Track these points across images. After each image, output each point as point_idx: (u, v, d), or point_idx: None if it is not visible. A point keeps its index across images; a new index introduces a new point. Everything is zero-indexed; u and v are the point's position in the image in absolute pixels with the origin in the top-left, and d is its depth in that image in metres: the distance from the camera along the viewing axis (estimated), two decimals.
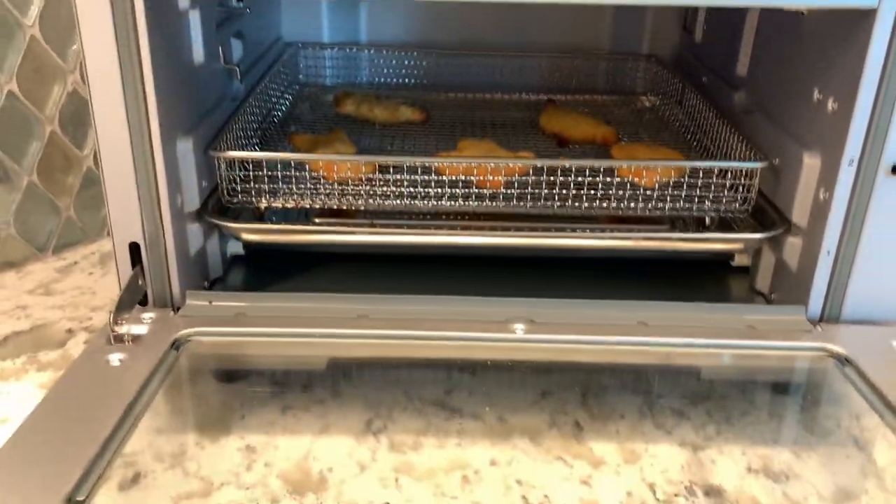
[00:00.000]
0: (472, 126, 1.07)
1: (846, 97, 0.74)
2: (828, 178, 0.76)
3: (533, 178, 0.81)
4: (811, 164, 0.80)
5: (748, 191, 0.83)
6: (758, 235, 0.82)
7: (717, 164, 0.86)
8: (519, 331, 0.74)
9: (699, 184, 0.84)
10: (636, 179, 0.85)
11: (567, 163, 0.82)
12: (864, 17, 0.70)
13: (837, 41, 0.76)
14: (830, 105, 0.77)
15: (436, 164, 0.81)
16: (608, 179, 0.82)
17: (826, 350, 0.74)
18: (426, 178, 0.80)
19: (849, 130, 0.73)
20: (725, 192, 0.85)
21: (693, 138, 1.03)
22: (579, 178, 0.81)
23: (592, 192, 0.82)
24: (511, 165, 0.82)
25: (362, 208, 0.83)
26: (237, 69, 0.95)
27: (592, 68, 1.24)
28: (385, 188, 0.81)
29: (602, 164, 0.82)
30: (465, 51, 1.21)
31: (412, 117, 1.06)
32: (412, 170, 0.80)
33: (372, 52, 1.22)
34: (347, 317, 0.73)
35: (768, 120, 0.91)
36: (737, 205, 0.84)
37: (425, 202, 0.81)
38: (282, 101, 1.11)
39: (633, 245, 0.83)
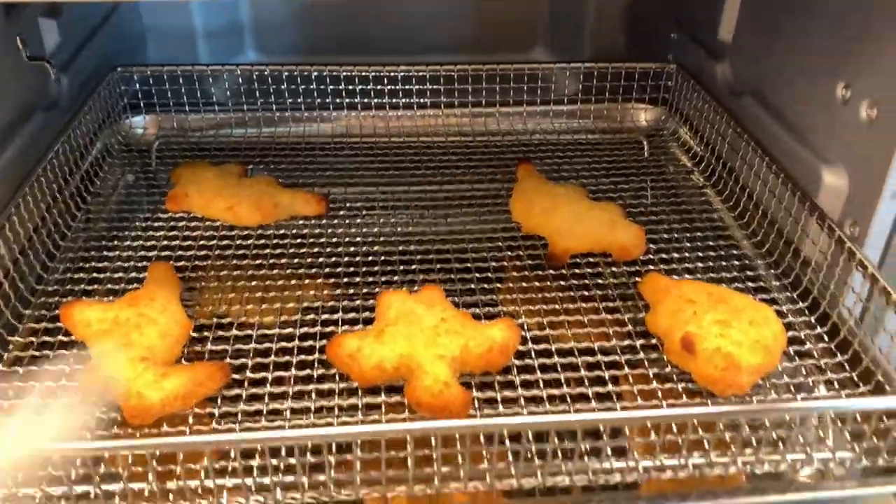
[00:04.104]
0: (399, 223, 0.67)
1: (892, 104, 0.53)
2: (858, 208, 0.57)
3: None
4: (834, 185, 0.60)
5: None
6: None
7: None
8: None
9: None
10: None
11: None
12: None
13: (878, 20, 0.55)
14: (865, 111, 0.56)
15: None
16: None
17: None
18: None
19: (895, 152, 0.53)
20: None
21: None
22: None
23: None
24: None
25: None
26: (50, 64, 0.68)
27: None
28: None
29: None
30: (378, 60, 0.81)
31: (301, 211, 0.67)
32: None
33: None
34: None
35: (766, 111, 0.71)
36: None
37: None
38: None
39: None
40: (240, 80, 0.82)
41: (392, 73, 0.81)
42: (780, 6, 0.69)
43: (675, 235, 0.65)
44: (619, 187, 0.72)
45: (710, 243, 0.65)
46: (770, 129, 0.69)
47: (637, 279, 0.58)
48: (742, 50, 0.77)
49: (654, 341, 0.53)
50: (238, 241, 0.64)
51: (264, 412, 0.47)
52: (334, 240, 0.64)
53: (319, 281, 0.60)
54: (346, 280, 0.59)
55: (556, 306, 0.56)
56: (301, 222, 0.66)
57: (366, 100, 0.82)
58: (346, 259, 0.62)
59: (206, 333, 0.54)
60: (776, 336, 0.49)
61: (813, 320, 0.56)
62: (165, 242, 0.64)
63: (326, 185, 0.72)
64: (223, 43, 0.94)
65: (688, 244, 0.64)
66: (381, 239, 0.65)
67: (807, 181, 0.62)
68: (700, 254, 0.63)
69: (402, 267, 0.61)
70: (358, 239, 0.65)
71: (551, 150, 0.80)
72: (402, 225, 0.67)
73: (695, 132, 0.81)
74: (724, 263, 0.62)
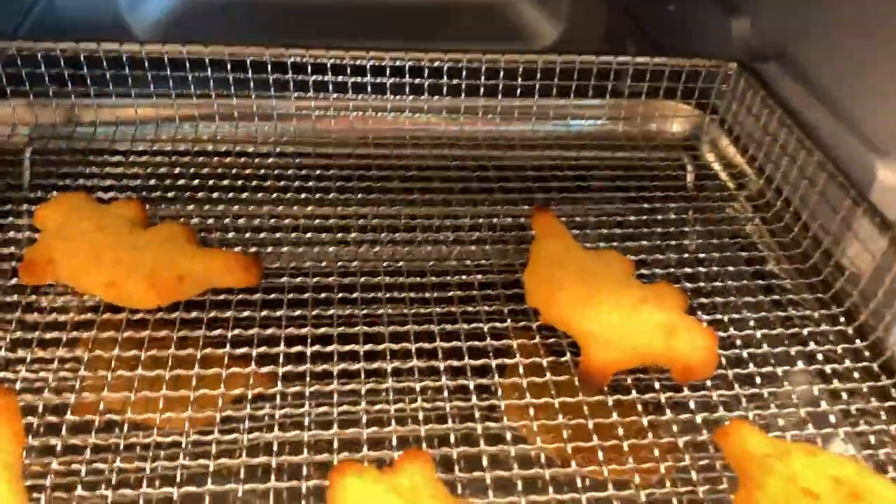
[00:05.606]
0: (365, 306, 0.46)
1: None
2: None
3: None
4: (890, 180, 0.47)
5: None
6: None
7: None
8: None
9: None
10: None
11: None
12: None
13: None
14: None
15: None
16: None
17: None
18: None
19: None
20: None
21: None
22: None
23: None
24: None
25: None
26: None
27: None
28: None
29: None
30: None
31: (220, 283, 0.45)
32: None
33: None
34: None
35: (799, 82, 0.56)
36: None
37: None
38: None
39: None
40: (144, 56, 0.58)
41: (359, 62, 0.59)
42: None
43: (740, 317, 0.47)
44: (664, 242, 0.52)
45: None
46: (804, 102, 0.55)
47: (707, 414, 0.40)
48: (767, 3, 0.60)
49: None
50: (128, 333, 0.43)
51: None
52: (269, 331, 0.43)
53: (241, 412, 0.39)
54: (282, 400, 0.39)
55: (597, 468, 0.37)
56: (222, 297, 0.45)
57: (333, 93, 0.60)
58: (285, 367, 0.41)
59: None
60: None
61: None
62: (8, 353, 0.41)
63: (260, 237, 0.51)
64: None
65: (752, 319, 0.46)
66: (340, 329, 0.44)
67: (855, 171, 0.49)
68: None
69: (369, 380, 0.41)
70: (304, 330, 0.44)
71: (570, 177, 0.59)
72: (370, 308, 0.46)
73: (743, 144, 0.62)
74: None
